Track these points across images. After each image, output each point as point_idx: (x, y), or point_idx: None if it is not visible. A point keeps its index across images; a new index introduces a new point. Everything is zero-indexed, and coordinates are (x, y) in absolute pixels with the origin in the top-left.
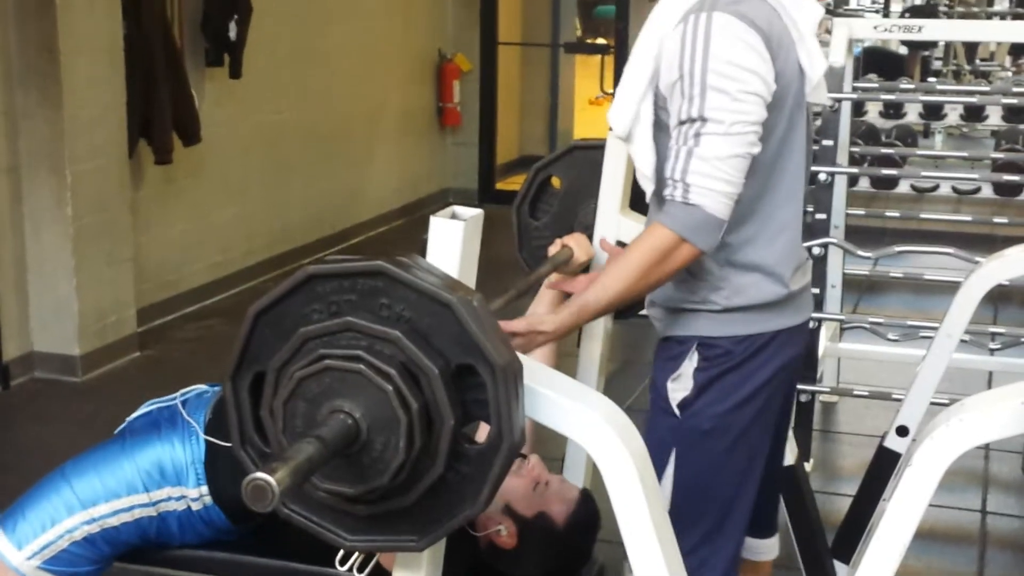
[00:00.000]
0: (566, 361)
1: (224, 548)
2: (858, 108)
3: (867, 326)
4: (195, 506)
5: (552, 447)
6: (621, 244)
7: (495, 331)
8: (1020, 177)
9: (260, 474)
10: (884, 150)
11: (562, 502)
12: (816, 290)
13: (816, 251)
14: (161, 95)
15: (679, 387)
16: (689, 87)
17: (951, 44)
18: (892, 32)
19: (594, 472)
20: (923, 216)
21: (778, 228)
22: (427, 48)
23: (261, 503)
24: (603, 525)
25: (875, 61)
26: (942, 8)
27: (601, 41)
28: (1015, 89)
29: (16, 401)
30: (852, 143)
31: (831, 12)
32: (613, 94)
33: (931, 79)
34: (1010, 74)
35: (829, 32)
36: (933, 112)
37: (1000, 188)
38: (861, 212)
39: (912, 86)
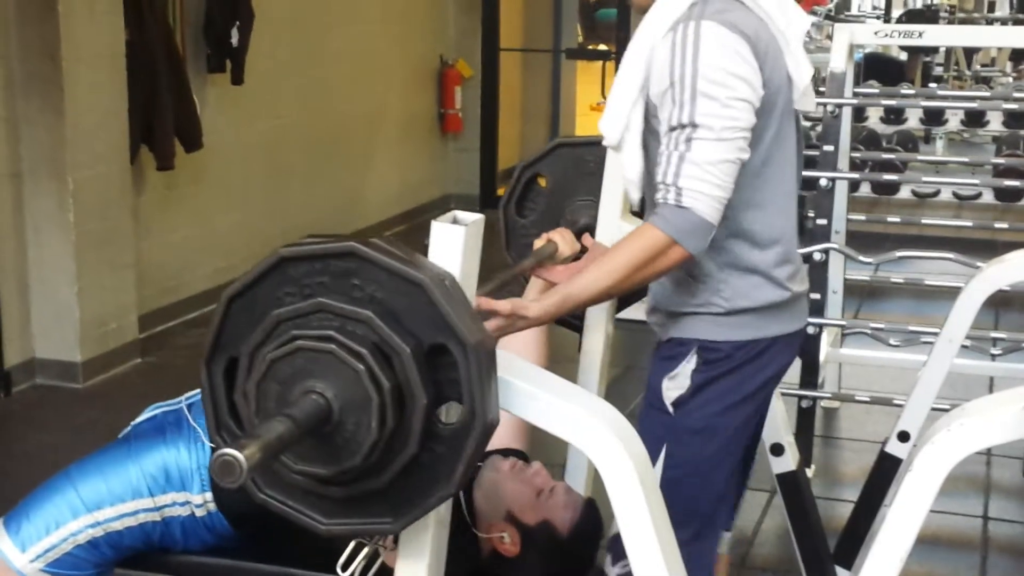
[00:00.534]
0: (567, 366)
1: (227, 555)
2: (859, 113)
3: (868, 332)
4: (199, 512)
5: (553, 452)
6: None
7: (467, 311)
8: (1021, 182)
9: (228, 449)
10: (885, 155)
11: (566, 510)
12: (817, 295)
13: (817, 256)
14: (163, 101)
15: (675, 385)
16: (680, 93)
17: (952, 50)
18: (893, 38)
19: (595, 477)
20: (924, 221)
21: (774, 231)
22: (428, 54)
23: (229, 478)
24: (605, 532)
25: (876, 67)
26: (943, 14)
27: (602, 47)
28: (1016, 94)
29: (17, 407)
30: (853, 148)
31: (832, 18)
32: None
33: (932, 84)
34: (1011, 79)
35: (830, 38)
36: (934, 117)
37: (1001, 193)
38: (862, 217)
39: (913, 91)
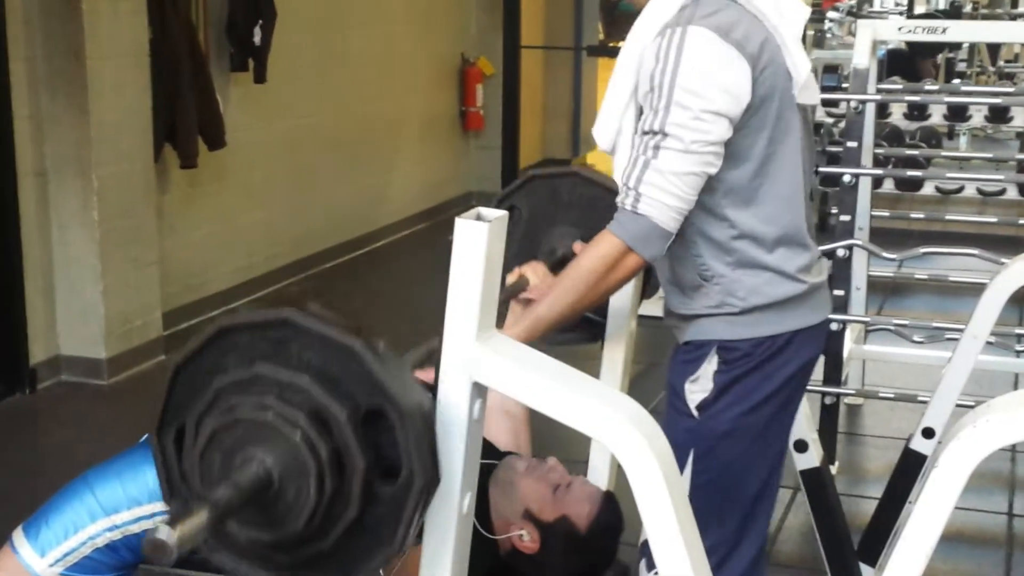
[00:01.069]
0: (590, 364)
1: None
2: (882, 110)
3: (892, 328)
4: None
5: (576, 449)
6: None
7: (403, 374)
8: None
9: (159, 535)
10: (909, 152)
11: (584, 504)
12: (841, 292)
13: (841, 253)
14: (186, 100)
15: (698, 388)
16: (656, 99)
17: (975, 45)
18: (916, 34)
19: (619, 474)
20: (948, 218)
21: (781, 226)
22: (450, 52)
23: (160, 558)
24: (627, 527)
25: (899, 63)
26: (966, 9)
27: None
28: None
29: (42, 404)
30: (876, 145)
31: (854, 14)
32: None
33: (955, 80)
34: None
35: (853, 34)
36: (958, 114)
37: None
38: (886, 214)
39: (936, 87)
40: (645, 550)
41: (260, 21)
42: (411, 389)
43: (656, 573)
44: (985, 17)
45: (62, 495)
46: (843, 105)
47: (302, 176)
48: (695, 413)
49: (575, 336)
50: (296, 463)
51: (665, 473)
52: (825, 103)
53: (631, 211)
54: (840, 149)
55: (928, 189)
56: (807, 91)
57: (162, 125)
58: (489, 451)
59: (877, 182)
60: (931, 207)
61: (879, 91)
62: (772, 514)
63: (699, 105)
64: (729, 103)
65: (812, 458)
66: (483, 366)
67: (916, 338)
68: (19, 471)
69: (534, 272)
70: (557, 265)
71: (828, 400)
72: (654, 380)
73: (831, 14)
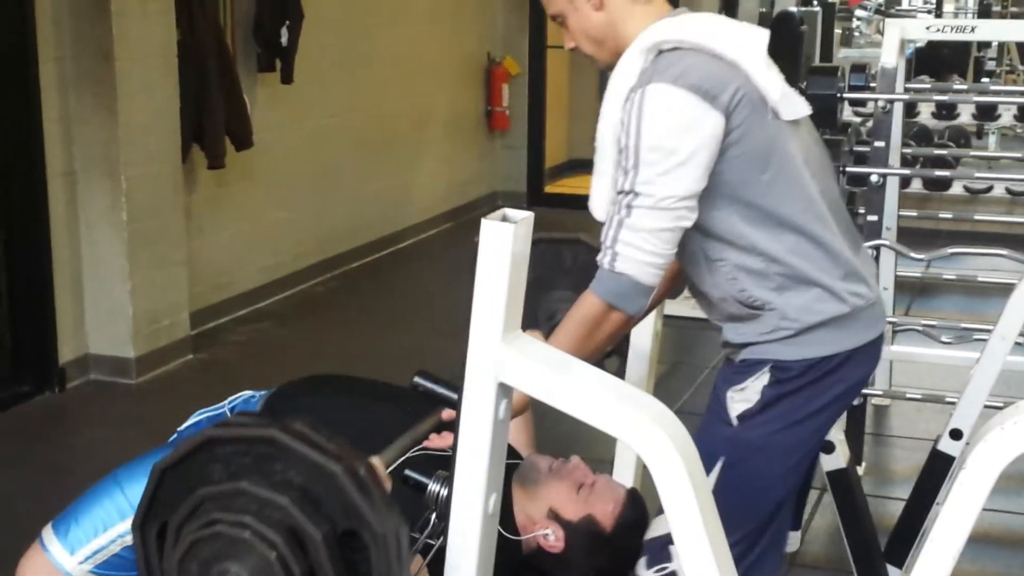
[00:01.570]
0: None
1: None
2: (910, 109)
3: (920, 329)
4: None
5: (601, 449)
6: None
7: (381, 499)
8: None
9: None
10: (937, 151)
11: (608, 502)
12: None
13: (868, 253)
14: (214, 101)
15: (743, 398)
16: (625, 161)
17: (1005, 44)
18: (944, 32)
19: (644, 474)
20: (976, 217)
21: (810, 242)
22: (476, 52)
23: None
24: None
25: (927, 62)
26: (996, 8)
27: None
28: None
29: (72, 403)
30: (904, 144)
31: (883, 13)
32: None
33: (984, 79)
34: None
35: (881, 33)
36: (986, 113)
37: None
38: (914, 214)
39: (965, 87)
40: (649, 547)
41: (287, 22)
42: (387, 515)
43: (659, 569)
44: (1015, 16)
45: (92, 493)
46: (871, 104)
47: (328, 176)
48: (735, 422)
49: None
50: None
51: (691, 474)
52: (852, 102)
53: (609, 270)
54: (868, 149)
55: (956, 189)
56: (790, 106)
57: (190, 126)
58: (509, 452)
59: (905, 182)
60: (959, 207)
61: (907, 90)
62: (790, 522)
63: (667, 161)
64: (697, 149)
65: (839, 459)
66: (508, 367)
67: (944, 339)
68: (48, 470)
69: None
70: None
71: (856, 401)
72: (679, 380)
73: (859, 12)
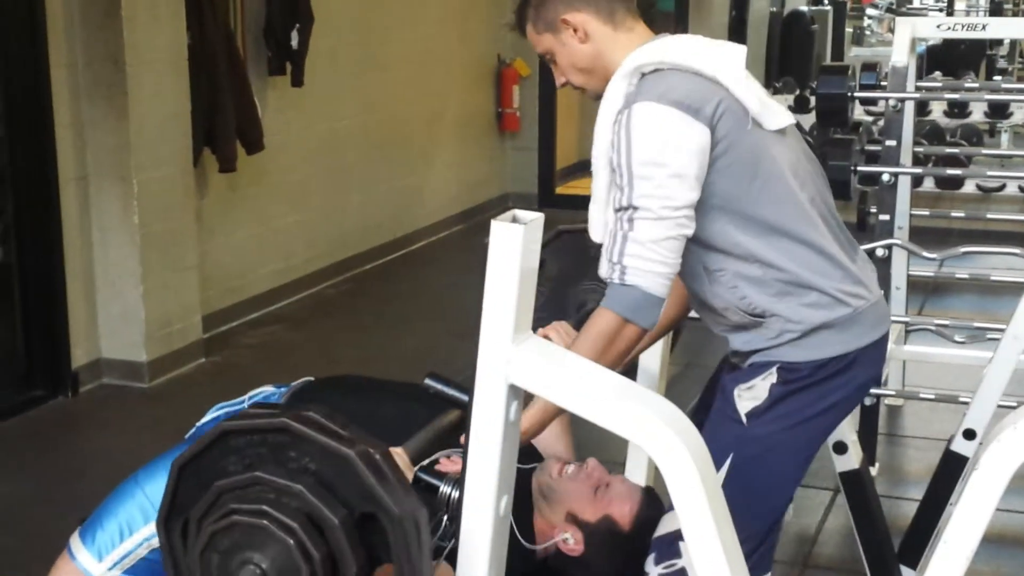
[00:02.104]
0: None
1: None
2: (923, 108)
3: (933, 328)
4: None
5: (614, 451)
6: None
7: (397, 481)
8: None
9: None
10: (949, 150)
11: (625, 502)
12: (880, 292)
13: (880, 252)
14: (225, 104)
15: (751, 396)
16: (620, 179)
17: (1017, 42)
18: (955, 31)
19: (656, 476)
20: (989, 216)
21: (805, 247)
22: (486, 54)
23: None
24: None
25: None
26: (1007, 6)
27: None
28: None
29: (85, 407)
30: (916, 143)
31: (894, 11)
32: None
33: (996, 78)
34: None
35: (892, 31)
36: (999, 111)
37: None
38: (926, 213)
39: (976, 85)
40: (656, 545)
41: (297, 25)
42: (404, 496)
43: (667, 566)
44: None
45: (114, 497)
46: (882, 103)
47: (339, 178)
48: (744, 420)
49: None
50: (290, 567)
51: (702, 475)
52: (864, 101)
53: (619, 284)
54: (879, 148)
55: (969, 187)
56: (772, 117)
57: (201, 129)
58: (530, 454)
59: (917, 181)
60: (972, 206)
61: (918, 89)
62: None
63: (660, 173)
64: (687, 161)
65: (852, 460)
66: (519, 368)
67: (957, 338)
68: (61, 474)
69: (557, 332)
70: (586, 319)
71: (868, 401)
72: (691, 381)
73: (870, 11)
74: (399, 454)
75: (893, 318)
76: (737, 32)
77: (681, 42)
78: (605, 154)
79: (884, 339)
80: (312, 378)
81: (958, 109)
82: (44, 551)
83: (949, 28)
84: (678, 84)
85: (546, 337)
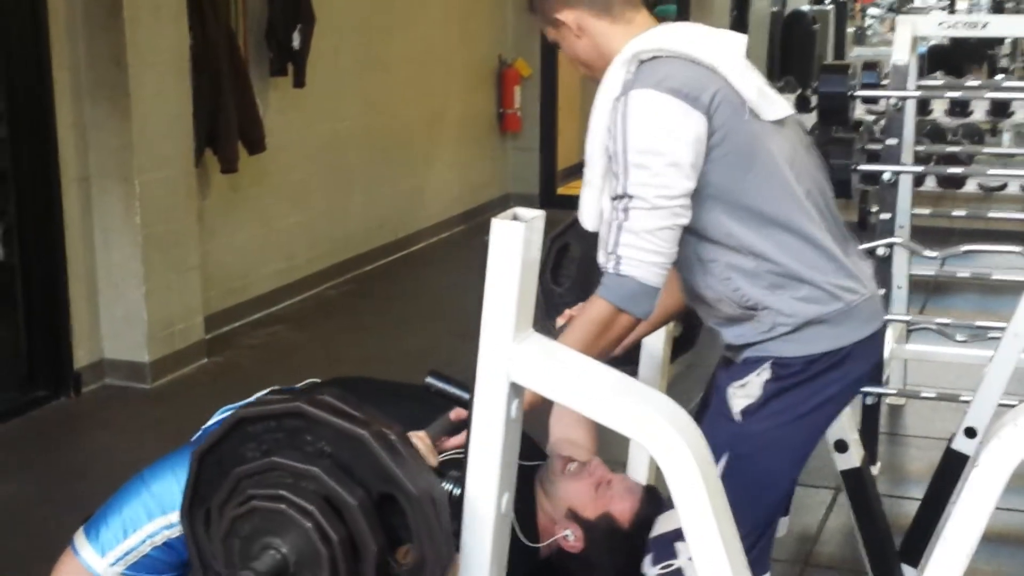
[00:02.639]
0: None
1: None
2: (924, 106)
3: (934, 327)
4: None
5: (616, 449)
6: None
7: (414, 460)
8: None
9: None
10: (950, 148)
11: (626, 500)
12: (882, 291)
13: (881, 252)
14: (227, 105)
15: (745, 394)
16: (616, 166)
17: (1018, 41)
18: (956, 28)
19: (657, 474)
20: (991, 215)
21: (799, 240)
22: (487, 54)
23: None
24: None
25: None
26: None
27: None
28: None
29: (87, 407)
30: (918, 142)
31: (895, 10)
32: None
33: (998, 76)
34: None
35: (893, 30)
36: (1000, 110)
37: None
38: (927, 212)
39: (978, 83)
40: (654, 545)
41: (299, 26)
42: (420, 475)
43: (665, 566)
44: None
45: (120, 494)
46: (883, 102)
47: (341, 179)
48: (738, 418)
49: None
50: (310, 550)
51: (704, 474)
52: (865, 100)
53: (615, 274)
54: (880, 146)
55: (970, 186)
56: (771, 107)
57: (203, 130)
58: (533, 451)
59: (918, 180)
60: (973, 204)
61: (919, 87)
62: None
63: (656, 162)
64: (683, 149)
65: (853, 459)
66: (520, 366)
67: (959, 337)
68: (63, 474)
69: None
70: None
71: (869, 400)
72: (692, 381)
73: (872, 10)
74: (421, 438)
75: (895, 317)
76: (738, 32)
77: (680, 30)
78: (600, 140)
79: (879, 334)
80: (317, 380)
81: (960, 108)
82: (46, 551)
83: (950, 26)
84: (676, 72)
85: (572, 317)
